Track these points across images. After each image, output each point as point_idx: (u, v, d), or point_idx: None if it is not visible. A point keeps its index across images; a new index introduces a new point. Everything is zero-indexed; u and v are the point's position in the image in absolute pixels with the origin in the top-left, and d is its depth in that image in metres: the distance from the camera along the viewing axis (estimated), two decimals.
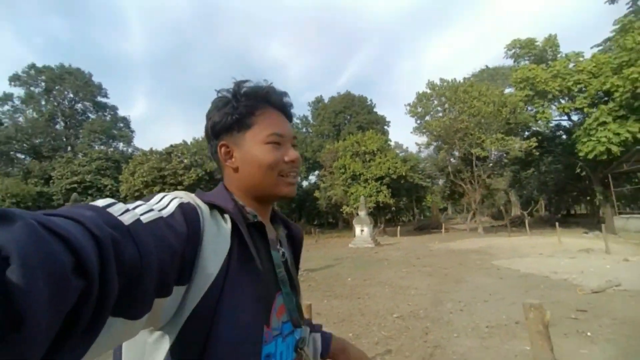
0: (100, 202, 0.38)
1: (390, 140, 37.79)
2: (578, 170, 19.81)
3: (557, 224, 14.37)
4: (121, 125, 37.01)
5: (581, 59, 19.90)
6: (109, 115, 36.66)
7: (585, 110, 17.79)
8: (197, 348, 0.45)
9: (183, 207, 0.48)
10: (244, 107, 0.63)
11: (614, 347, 3.42)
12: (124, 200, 0.46)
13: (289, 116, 0.69)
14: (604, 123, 16.28)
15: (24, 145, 30.63)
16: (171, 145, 23.15)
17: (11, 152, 29.90)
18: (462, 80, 22.95)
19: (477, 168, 21.06)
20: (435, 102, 23.18)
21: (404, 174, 22.35)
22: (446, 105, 22.28)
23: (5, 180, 23.47)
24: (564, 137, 22.93)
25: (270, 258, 0.60)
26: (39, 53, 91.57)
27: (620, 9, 18.22)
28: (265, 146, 0.62)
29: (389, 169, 22.40)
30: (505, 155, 22.20)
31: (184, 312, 0.45)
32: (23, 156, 31.07)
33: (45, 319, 0.23)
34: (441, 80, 22.98)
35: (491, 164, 21.65)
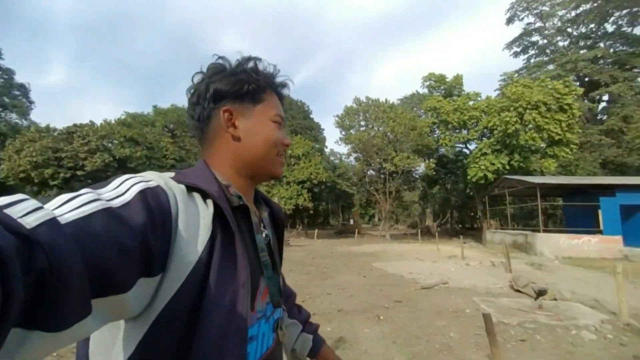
0: (1, 200, 0.32)
1: (327, 147, 39.30)
2: (467, 191, 23.33)
3: (459, 235, 16.76)
4: (17, 92, 31.61)
5: (479, 98, 23.66)
6: (1, 80, 31.03)
7: (476, 141, 21.13)
8: (178, 337, 0.44)
9: (145, 194, 0.44)
10: (259, 81, 0.64)
11: (391, 325, 4.35)
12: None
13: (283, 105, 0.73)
14: (485, 154, 19.59)
15: None
16: (75, 125, 20.58)
17: None
18: (391, 101, 25.33)
19: (388, 182, 23.28)
20: (360, 117, 25.06)
21: (324, 179, 23.50)
22: (367, 122, 24.28)
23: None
24: (464, 161, 26.96)
25: (254, 241, 0.60)
26: None
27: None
28: (271, 124, 0.64)
29: (310, 174, 23.35)
30: (413, 171, 25.03)
31: (159, 301, 0.43)
32: None
33: None
34: (367, 98, 24.95)
35: (400, 179, 24.09)
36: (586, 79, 30.71)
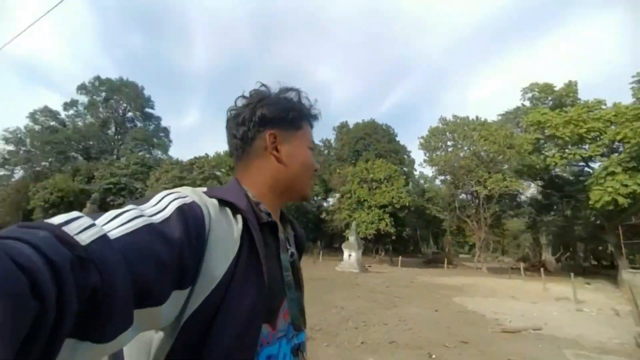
0: (59, 218, 0.34)
1: (416, 170, 37.99)
2: (592, 219, 18.88)
3: (588, 273, 13.86)
4: (162, 134, 41.11)
5: (603, 106, 19.45)
6: (153, 125, 40.97)
7: (599, 158, 17.26)
8: (195, 347, 0.45)
9: (183, 210, 0.46)
10: (302, 110, 0.70)
11: None
12: None
13: None
14: (613, 173, 15.71)
15: (79, 146, 35.12)
16: (195, 157, 25.58)
17: (67, 152, 34.41)
18: (488, 119, 23.19)
19: (482, 207, 20.80)
20: (447, 137, 23.54)
21: (407, 203, 22.56)
22: (456, 141, 22.57)
23: (57, 176, 27.16)
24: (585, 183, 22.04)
25: (279, 259, 0.61)
26: (105, 64, 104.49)
27: None
28: (308, 150, 0.70)
29: (392, 197, 22.78)
30: (517, 195, 21.74)
31: (186, 312, 0.45)
32: (76, 156, 35.52)
33: (6, 341, 0.23)
34: (454, 116, 23.41)
35: (497, 204, 21.23)
36: None
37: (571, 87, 20.76)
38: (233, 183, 0.65)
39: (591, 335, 6.18)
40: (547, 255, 28.34)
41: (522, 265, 21.44)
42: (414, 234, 37.40)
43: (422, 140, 24.19)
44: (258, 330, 0.50)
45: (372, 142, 38.21)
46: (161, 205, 0.46)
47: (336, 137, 43.63)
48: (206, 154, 26.40)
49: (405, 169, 34.05)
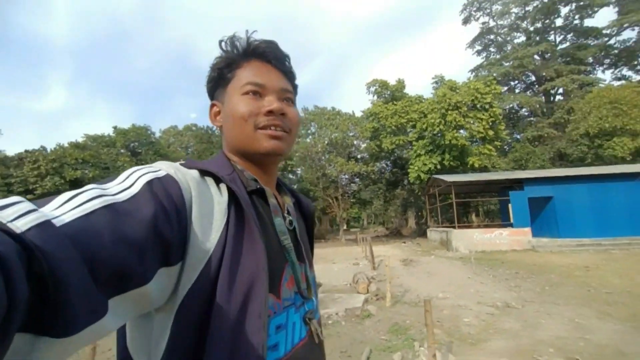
0: None
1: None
2: (417, 191, 23.92)
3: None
4: None
5: (422, 101, 24.39)
6: None
7: (414, 143, 21.79)
8: (199, 324, 0.44)
9: (154, 184, 0.43)
10: (223, 59, 0.61)
11: None
12: None
13: (282, 70, 0.65)
14: (419, 155, 20.22)
15: None
16: (25, 150, 21.39)
17: None
18: (331, 108, 26.08)
19: (337, 187, 23.92)
20: (310, 127, 25.80)
21: None
22: (318, 130, 25.02)
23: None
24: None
25: (273, 225, 0.58)
26: None
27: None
28: (241, 97, 0.59)
29: None
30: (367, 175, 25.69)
31: (182, 289, 0.43)
32: None
33: None
34: (315, 107, 25.70)
35: (352, 183, 24.72)
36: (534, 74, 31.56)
37: (400, 84, 25.24)
38: (219, 154, 0.63)
39: (332, 281, 8.33)
40: (411, 222, 34.88)
41: (394, 232, 25.97)
42: None
43: None
44: (263, 300, 0.47)
45: None
46: (128, 182, 0.44)
47: None
48: (42, 147, 22.27)
49: None
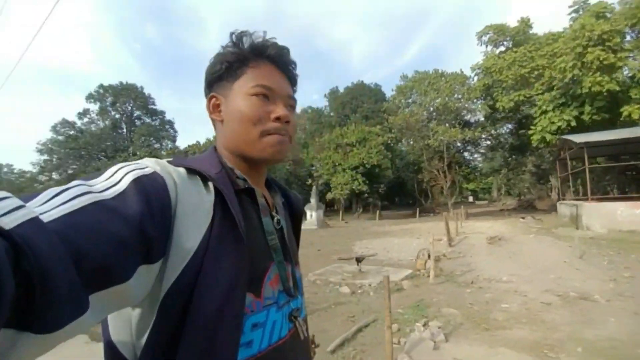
0: None
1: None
2: (548, 157, 19.53)
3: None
4: (168, 127, 44.82)
5: (557, 40, 19.07)
6: (158, 120, 44.66)
7: (538, 98, 17.60)
8: (177, 321, 0.44)
9: (140, 182, 0.43)
10: (235, 54, 0.60)
11: None
12: None
13: (289, 76, 0.65)
14: (545, 112, 16.25)
15: (97, 148, 39.89)
16: (188, 146, 28.65)
17: (89, 155, 39.30)
18: (441, 72, 23.49)
19: (444, 157, 22.02)
20: (412, 94, 24.27)
21: (375, 162, 24.28)
22: (420, 97, 23.32)
23: (82, 176, 31.97)
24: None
25: (262, 225, 0.58)
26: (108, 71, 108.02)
27: None
28: (250, 98, 0.58)
29: (362, 158, 24.54)
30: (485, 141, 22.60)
31: (163, 286, 0.44)
32: (97, 157, 40.48)
33: None
34: (415, 72, 23.88)
35: (460, 152, 22.27)
36: None
37: (524, 23, 20.29)
38: (209, 150, 0.63)
39: (399, 256, 8.37)
40: (553, 194, 28.95)
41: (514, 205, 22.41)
42: (413, 189, 38.84)
43: (388, 104, 25.06)
44: (241, 300, 0.48)
45: (358, 104, 38.90)
46: (114, 179, 0.43)
47: (329, 104, 44.45)
48: (197, 142, 29.32)
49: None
